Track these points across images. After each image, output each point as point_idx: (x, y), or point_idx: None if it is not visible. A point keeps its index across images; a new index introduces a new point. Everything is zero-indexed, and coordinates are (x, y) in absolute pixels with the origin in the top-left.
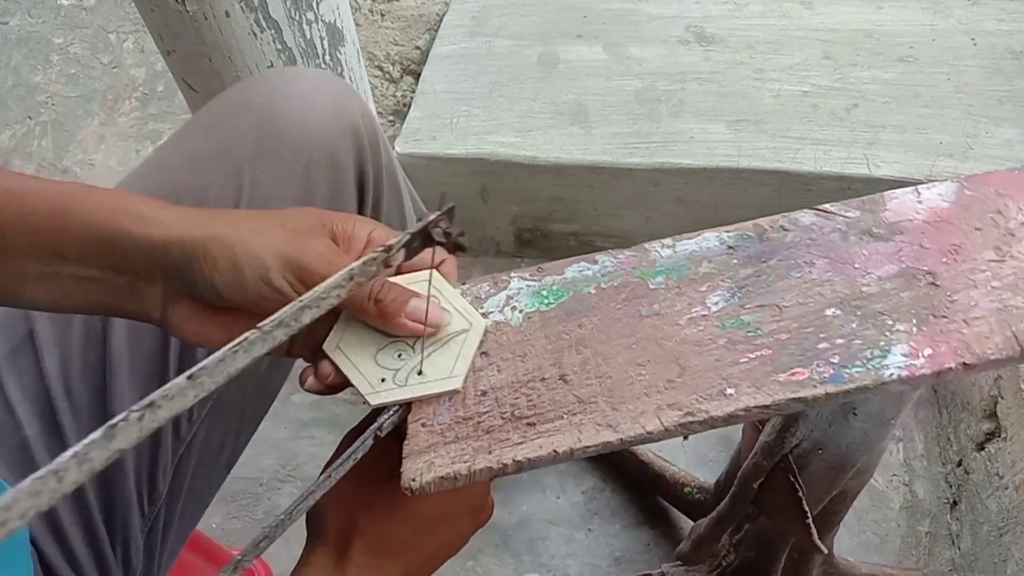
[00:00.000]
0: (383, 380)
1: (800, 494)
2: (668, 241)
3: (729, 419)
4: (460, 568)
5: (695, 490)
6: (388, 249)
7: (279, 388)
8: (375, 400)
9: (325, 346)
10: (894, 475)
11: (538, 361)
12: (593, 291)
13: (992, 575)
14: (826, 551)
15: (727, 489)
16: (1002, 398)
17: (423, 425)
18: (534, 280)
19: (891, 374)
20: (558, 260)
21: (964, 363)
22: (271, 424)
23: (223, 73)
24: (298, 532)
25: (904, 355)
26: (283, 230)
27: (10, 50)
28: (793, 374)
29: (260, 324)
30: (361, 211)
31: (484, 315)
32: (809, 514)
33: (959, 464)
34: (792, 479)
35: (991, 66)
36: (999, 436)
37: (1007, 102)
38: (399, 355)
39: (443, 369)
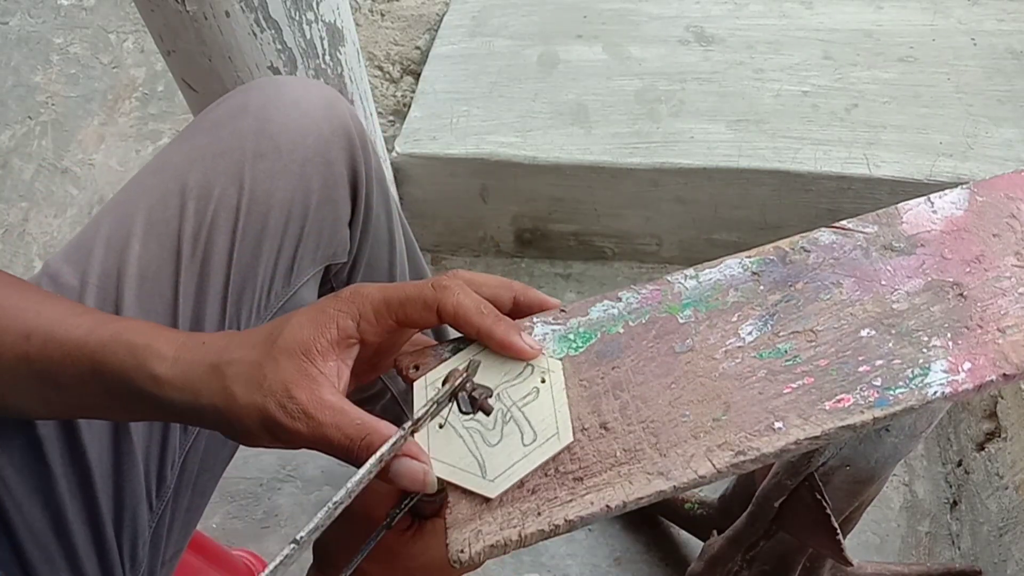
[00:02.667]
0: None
1: (828, 511)
2: (691, 271)
3: (781, 454)
4: None
5: (696, 506)
6: (416, 422)
7: None
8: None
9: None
10: (894, 475)
11: (575, 410)
12: (622, 330)
13: (992, 575)
14: (854, 563)
15: (735, 505)
16: (1002, 398)
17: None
18: (559, 324)
19: (934, 392)
20: (580, 301)
21: (1004, 374)
22: None
23: (223, 73)
24: (297, 531)
25: (944, 371)
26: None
27: (10, 50)
28: (838, 401)
29: (297, 536)
30: (353, 208)
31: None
32: (839, 531)
33: (959, 464)
34: (819, 497)
35: (991, 66)
36: (999, 436)
37: (1007, 102)
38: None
39: (544, 426)
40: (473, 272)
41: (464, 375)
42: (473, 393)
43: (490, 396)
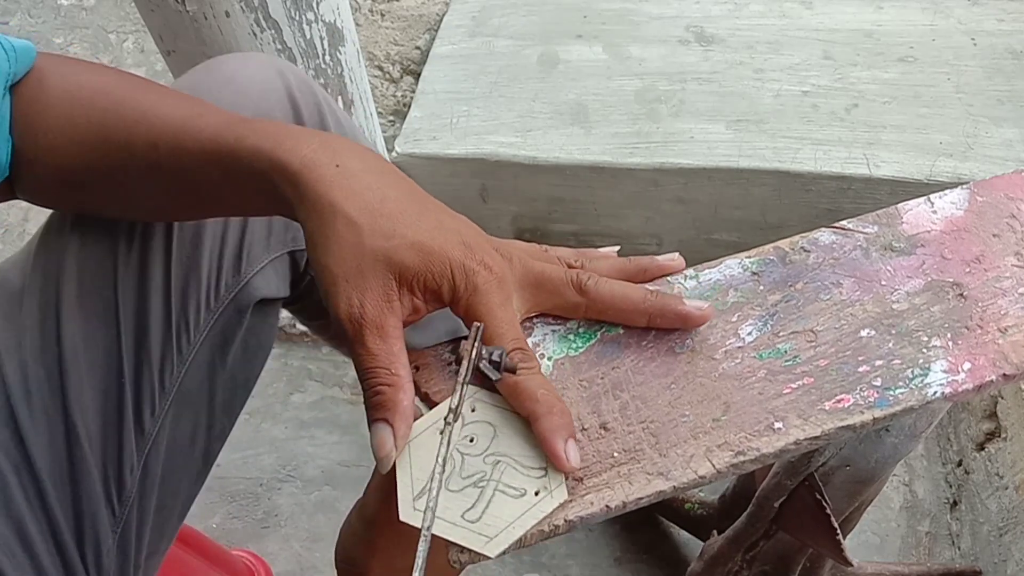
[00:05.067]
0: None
1: (828, 511)
2: (690, 272)
3: (780, 454)
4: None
5: (696, 506)
6: (454, 411)
7: (255, 379)
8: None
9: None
10: (894, 475)
11: (575, 410)
12: (621, 331)
13: (992, 575)
14: (854, 564)
15: (735, 506)
16: (1002, 398)
17: None
18: (558, 324)
19: (934, 392)
20: None
21: (1004, 374)
22: (271, 424)
23: None
24: (298, 532)
25: (944, 371)
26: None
27: None
28: (838, 401)
29: None
30: None
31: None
32: (839, 531)
33: (959, 464)
34: (819, 497)
35: (991, 66)
36: (999, 436)
37: (1007, 102)
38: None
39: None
40: (606, 288)
41: (476, 344)
42: (492, 357)
43: (506, 354)
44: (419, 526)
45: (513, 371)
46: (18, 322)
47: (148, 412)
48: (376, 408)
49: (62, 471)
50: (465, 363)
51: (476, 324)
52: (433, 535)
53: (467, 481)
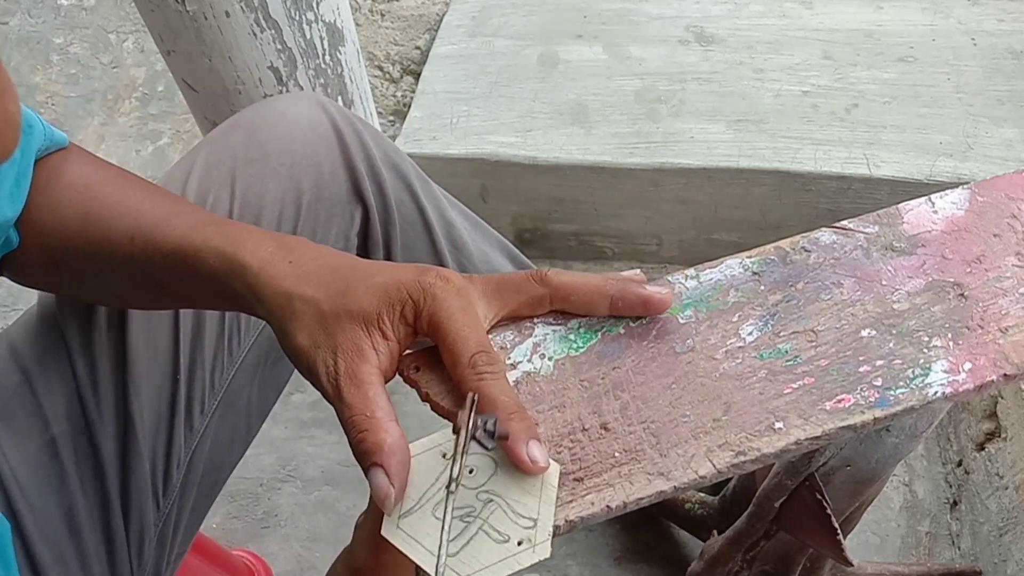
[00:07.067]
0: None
1: (828, 511)
2: (691, 272)
3: (781, 454)
4: None
5: (696, 506)
6: (456, 480)
7: (285, 382)
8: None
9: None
10: (894, 475)
11: (576, 410)
12: (622, 331)
13: (992, 575)
14: (854, 564)
15: (735, 505)
16: (1002, 398)
17: None
18: (559, 325)
19: (935, 392)
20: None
21: (1005, 374)
22: (271, 424)
23: (223, 73)
24: (298, 532)
25: (945, 371)
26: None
27: (10, 50)
28: (839, 401)
29: None
30: (365, 203)
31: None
32: (839, 531)
33: (959, 464)
34: (819, 497)
35: (991, 66)
36: (999, 436)
37: (1007, 102)
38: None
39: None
40: (567, 275)
41: (472, 416)
42: (487, 427)
43: (499, 422)
44: (397, 544)
45: (506, 438)
46: (92, 322)
47: (198, 410)
48: (363, 456)
49: (117, 459)
50: (463, 434)
51: (471, 395)
52: (409, 558)
53: (458, 513)
